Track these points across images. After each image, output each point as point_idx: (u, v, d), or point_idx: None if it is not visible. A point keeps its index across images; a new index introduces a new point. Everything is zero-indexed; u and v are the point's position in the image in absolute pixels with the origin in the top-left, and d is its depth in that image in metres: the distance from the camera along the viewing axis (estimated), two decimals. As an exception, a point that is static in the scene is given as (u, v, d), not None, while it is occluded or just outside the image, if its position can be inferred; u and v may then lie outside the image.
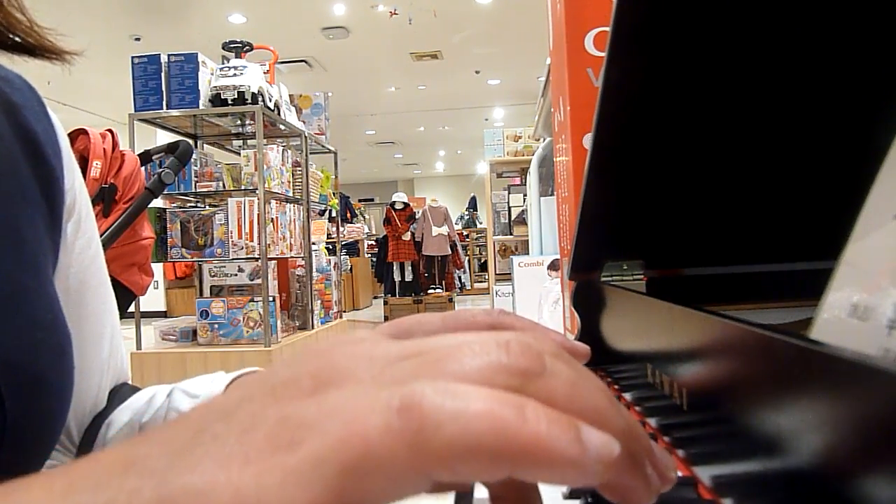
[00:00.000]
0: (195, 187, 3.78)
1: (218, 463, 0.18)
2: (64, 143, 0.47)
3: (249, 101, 3.67)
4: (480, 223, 11.78)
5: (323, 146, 4.86)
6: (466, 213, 12.60)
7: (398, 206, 9.56)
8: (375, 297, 10.65)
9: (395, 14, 6.40)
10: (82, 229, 0.48)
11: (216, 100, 3.68)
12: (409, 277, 9.45)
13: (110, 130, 2.07)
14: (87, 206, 0.50)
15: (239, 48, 3.79)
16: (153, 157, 2.38)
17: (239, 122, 4.13)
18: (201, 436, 0.19)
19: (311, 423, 0.18)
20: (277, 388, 0.20)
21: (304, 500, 0.17)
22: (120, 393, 0.54)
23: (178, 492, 0.18)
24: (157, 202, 3.57)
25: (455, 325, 0.30)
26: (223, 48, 3.89)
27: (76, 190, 0.48)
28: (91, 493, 0.19)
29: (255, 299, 3.69)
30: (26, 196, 0.41)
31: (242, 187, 3.73)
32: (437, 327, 0.30)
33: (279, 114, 3.99)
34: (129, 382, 0.56)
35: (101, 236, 1.73)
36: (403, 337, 0.30)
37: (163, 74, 3.67)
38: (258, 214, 3.60)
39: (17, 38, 0.46)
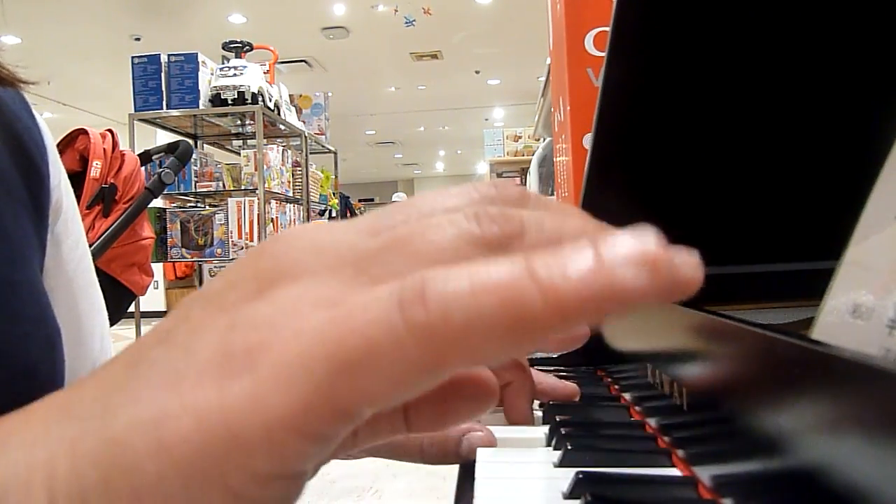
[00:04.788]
0: (195, 187, 3.78)
1: (164, 387, 0.15)
2: (48, 141, 0.47)
3: (249, 101, 3.67)
4: (480, 223, 11.77)
5: (323, 146, 4.86)
6: (466, 213, 12.59)
7: (398, 206, 9.55)
8: (375, 297, 10.63)
9: (396, 11, 6.41)
10: (69, 229, 0.48)
11: (216, 100, 3.68)
12: (409, 277, 9.44)
13: (110, 130, 2.07)
14: (74, 205, 0.50)
15: (239, 48, 3.79)
16: (153, 157, 2.38)
17: (239, 122, 4.13)
18: (138, 366, 0.17)
19: (268, 322, 0.15)
20: (214, 299, 0.17)
21: (286, 406, 0.15)
22: None
23: (123, 429, 0.15)
24: (157, 202, 3.57)
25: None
26: (223, 48, 3.89)
27: (62, 189, 0.48)
28: (27, 450, 0.16)
29: (255, 299, 3.68)
30: (10, 192, 0.41)
31: (242, 187, 3.73)
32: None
33: (279, 114, 3.99)
34: None
35: (101, 236, 1.71)
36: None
37: (163, 74, 3.67)
38: (258, 214, 3.60)
39: None
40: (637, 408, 0.49)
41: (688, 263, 0.16)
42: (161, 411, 0.15)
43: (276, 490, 0.15)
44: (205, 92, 3.71)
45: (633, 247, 0.15)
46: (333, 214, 5.71)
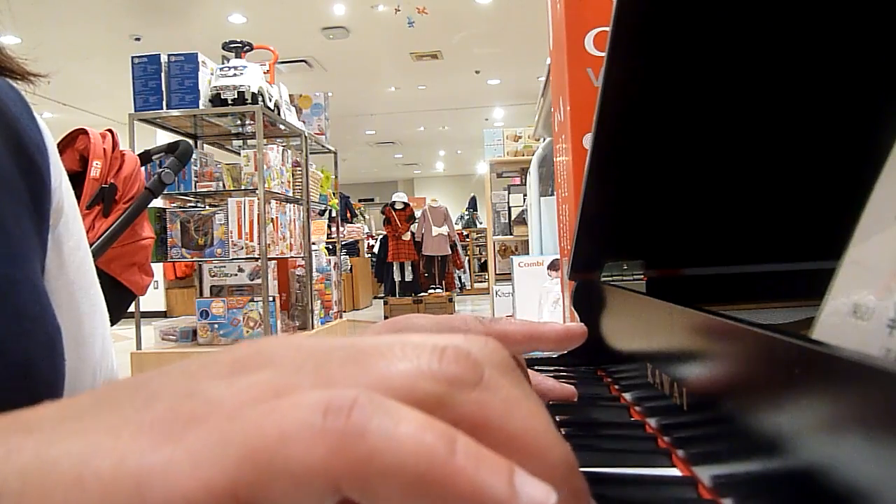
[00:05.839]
0: (195, 187, 3.79)
1: (108, 429, 0.17)
2: (49, 143, 0.47)
3: (249, 101, 3.67)
4: (480, 223, 11.79)
5: (323, 146, 4.86)
6: (466, 213, 12.61)
7: (398, 206, 9.56)
8: (376, 298, 10.65)
9: (399, 10, 6.41)
10: (70, 231, 0.48)
11: (216, 100, 3.68)
12: (409, 277, 9.45)
13: (110, 130, 2.07)
14: (74, 207, 0.50)
15: (239, 48, 3.79)
16: (153, 157, 2.38)
17: (239, 122, 4.13)
18: (101, 402, 0.18)
19: (217, 400, 0.17)
20: (195, 369, 0.19)
21: (193, 482, 0.15)
22: None
23: (57, 454, 0.16)
24: (157, 202, 3.58)
25: (445, 328, 0.31)
26: (223, 48, 3.89)
27: (63, 191, 0.48)
28: None
29: (255, 299, 3.69)
30: (11, 193, 0.42)
31: (242, 187, 3.73)
32: (424, 330, 0.31)
33: (279, 114, 3.99)
34: None
35: (101, 236, 1.70)
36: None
37: (163, 74, 3.67)
38: (258, 214, 3.60)
39: None
40: (637, 408, 0.49)
41: None
42: (93, 449, 0.16)
43: None
44: (205, 92, 3.71)
45: (543, 496, 0.16)
46: (333, 214, 5.71)
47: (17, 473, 0.16)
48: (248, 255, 3.65)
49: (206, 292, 3.93)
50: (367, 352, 0.19)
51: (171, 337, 3.83)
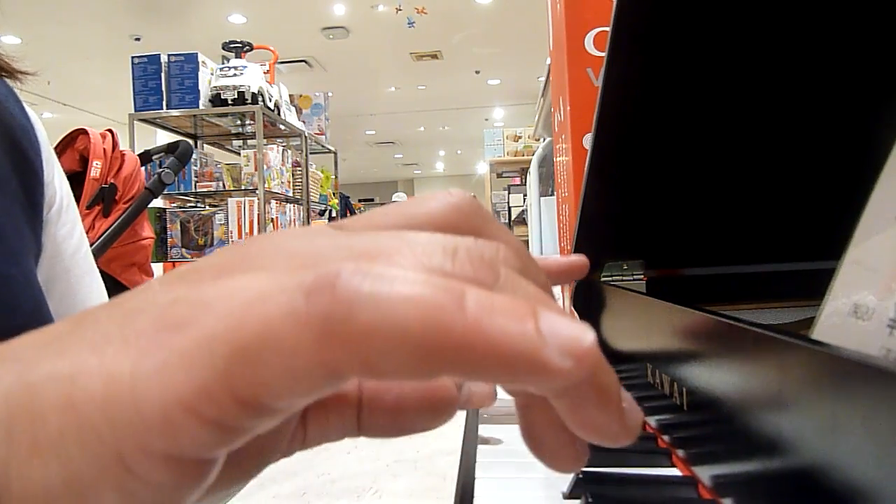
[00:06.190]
0: (195, 187, 3.79)
1: (92, 346, 0.16)
2: (42, 137, 0.48)
3: (249, 101, 3.67)
4: (480, 223, 11.78)
5: (323, 146, 4.86)
6: (466, 213, 12.60)
7: (398, 206, 9.57)
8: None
9: (400, 10, 6.41)
10: (62, 219, 0.49)
11: (216, 100, 3.68)
12: (409, 277, 9.45)
13: (110, 130, 2.07)
14: (69, 196, 0.50)
15: (239, 48, 3.79)
16: (153, 157, 2.38)
17: (239, 122, 4.13)
18: (82, 323, 0.17)
19: (204, 303, 0.16)
20: (175, 278, 0.17)
21: (186, 386, 0.14)
22: None
23: (41, 378, 0.15)
24: (157, 202, 3.57)
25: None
26: (223, 48, 3.89)
27: (56, 183, 0.48)
28: None
29: (255, 299, 3.68)
30: (5, 188, 0.42)
31: (242, 187, 3.73)
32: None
33: (279, 114, 3.99)
34: None
35: (101, 236, 1.70)
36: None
37: (163, 74, 3.67)
38: (258, 214, 3.60)
39: None
40: (637, 408, 0.49)
41: (622, 399, 0.16)
42: (79, 368, 0.15)
43: (169, 473, 0.15)
44: (205, 92, 3.71)
45: (576, 335, 0.15)
46: (333, 214, 5.71)
47: (1, 401, 0.15)
48: (248, 255, 3.65)
49: (206, 292, 3.92)
50: (370, 252, 0.16)
51: (171, 337, 3.82)
